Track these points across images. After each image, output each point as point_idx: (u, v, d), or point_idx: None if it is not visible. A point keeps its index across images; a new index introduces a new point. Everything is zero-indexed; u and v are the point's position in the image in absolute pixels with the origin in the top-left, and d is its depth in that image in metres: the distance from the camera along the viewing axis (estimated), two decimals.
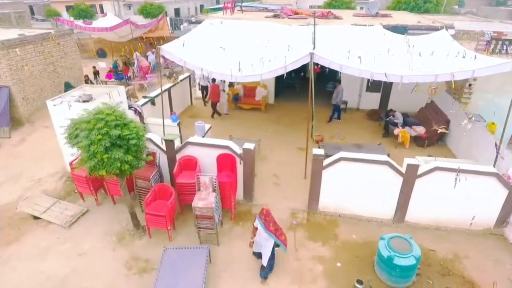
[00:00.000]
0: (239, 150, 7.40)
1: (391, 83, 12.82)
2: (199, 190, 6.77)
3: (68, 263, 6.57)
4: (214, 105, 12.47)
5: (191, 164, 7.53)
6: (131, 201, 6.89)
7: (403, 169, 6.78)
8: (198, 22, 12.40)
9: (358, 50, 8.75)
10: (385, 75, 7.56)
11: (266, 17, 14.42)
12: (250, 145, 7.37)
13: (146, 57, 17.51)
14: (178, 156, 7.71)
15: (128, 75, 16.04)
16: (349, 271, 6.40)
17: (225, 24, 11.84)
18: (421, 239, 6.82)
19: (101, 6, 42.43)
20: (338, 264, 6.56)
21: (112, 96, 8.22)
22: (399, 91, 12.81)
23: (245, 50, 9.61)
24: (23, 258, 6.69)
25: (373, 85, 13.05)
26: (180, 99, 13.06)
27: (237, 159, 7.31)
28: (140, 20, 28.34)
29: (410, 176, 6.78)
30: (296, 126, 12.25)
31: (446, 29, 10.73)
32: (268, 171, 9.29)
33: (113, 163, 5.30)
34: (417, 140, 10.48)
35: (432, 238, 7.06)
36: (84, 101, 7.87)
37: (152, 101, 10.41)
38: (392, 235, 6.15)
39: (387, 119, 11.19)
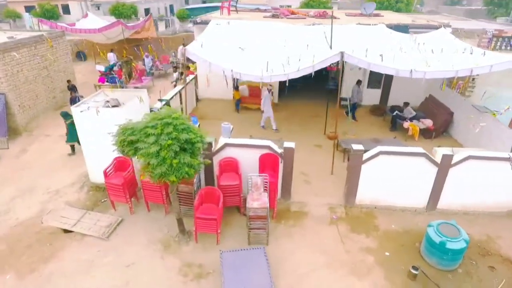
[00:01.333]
0: (279, 150, 7.48)
1: (391, 80, 13.53)
2: (250, 190, 6.76)
3: (118, 276, 6.29)
4: None
5: (231, 166, 7.49)
6: (179, 207, 6.73)
7: (438, 160, 7.21)
8: (204, 22, 12.24)
9: (374, 48, 9.15)
10: (411, 72, 7.98)
11: (264, 17, 14.55)
12: (290, 144, 7.47)
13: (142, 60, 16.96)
14: (216, 159, 7.62)
15: (122, 78, 15.43)
16: (398, 259, 6.71)
17: (232, 25, 11.82)
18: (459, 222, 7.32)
19: (64, 6, 40.15)
20: (387, 254, 6.86)
21: (143, 100, 7.94)
22: (398, 87, 13.64)
23: (264, 50, 9.68)
24: (67, 274, 6.31)
25: (373, 82, 13.67)
26: (188, 101, 12.80)
27: (279, 159, 7.38)
28: (111, 21, 27.31)
29: (444, 166, 7.24)
30: (307, 124, 12.53)
31: (445, 28, 11.49)
32: (295, 169, 9.41)
33: (182, 167, 5.18)
34: (424, 133, 11.12)
35: (464, 222, 7.54)
36: (113, 106, 7.55)
37: (168, 104, 10.15)
38: (439, 221, 6.55)
39: (394, 113, 11.76)
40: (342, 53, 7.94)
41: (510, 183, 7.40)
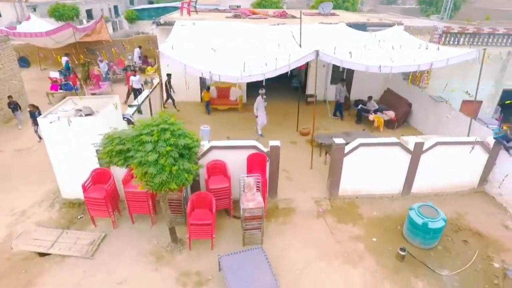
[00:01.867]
0: (265, 149, 7.55)
1: (351, 76, 14.27)
2: (243, 191, 6.73)
3: None
4: None
5: (219, 168, 7.40)
6: (170, 216, 6.50)
7: (411, 148, 7.80)
8: (168, 24, 11.86)
9: (341, 46, 9.59)
10: (379, 68, 8.52)
11: (226, 17, 14.48)
12: (276, 143, 7.58)
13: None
14: (202, 162, 7.46)
15: (77, 84, 14.37)
16: (385, 243, 7.16)
17: (198, 26, 11.62)
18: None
19: None
20: (374, 239, 7.28)
21: (117, 106, 7.50)
22: (358, 82, 14.42)
23: (236, 51, 9.66)
24: None
25: (336, 78, 14.30)
26: (154, 105, 12.31)
27: (267, 158, 7.45)
28: (51, 23, 25.25)
29: (417, 153, 7.85)
30: (279, 122, 12.73)
31: (398, 26, 12.39)
32: None
33: (181, 174, 5.02)
34: (387, 124, 11.92)
35: (435, 203, 8.16)
36: (87, 115, 7.04)
37: (139, 110, 9.70)
38: (418, 204, 7.10)
39: (359, 107, 12.43)
40: (317, 52, 8.21)
41: (471, 164, 8.25)
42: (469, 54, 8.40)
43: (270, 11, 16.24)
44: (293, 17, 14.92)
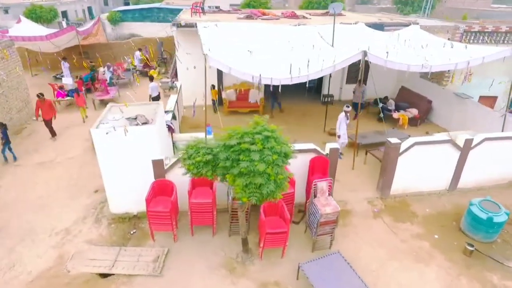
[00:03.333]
0: (324, 152, 7.44)
1: (366, 75, 14.42)
2: (315, 196, 6.59)
3: None
4: (48, 123, 10.73)
5: None
6: (246, 226, 6.23)
7: (461, 144, 7.99)
8: (189, 25, 11.44)
9: (372, 46, 9.65)
10: (422, 67, 8.65)
11: (238, 18, 14.21)
12: (334, 145, 7.49)
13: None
14: None
15: (83, 91, 13.56)
16: (447, 239, 7.27)
17: (221, 27, 11.30)
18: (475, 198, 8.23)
19: None
20: (436, 236, 7.37)
21: (176, 114, 7.11)
22: (372, 82, 14.60)
23: (272, 52, 9.48)
24: None
25: (351, 78, 14.44)
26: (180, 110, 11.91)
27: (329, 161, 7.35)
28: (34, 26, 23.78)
29: (466, 149, 8.05)
30: (301, 123, 12.66)
31: (413, 25, 12.68)
32: None
33: (283, 182, 4.81)
34: (410, 121, 12.17)
35: (480, 197, 8.51)
36: (143, 123, 6.61)
37: (173, 115, 9.28)
38: (478, 199, 7.27)
39: (381, 106, 12.60)
40: (365, 52, 8.20)
41: (511, 158, 8.58)
42: (503, 52, 8.71)
43: (278, 12, 16.14)
44: (304, 17, 14.90)
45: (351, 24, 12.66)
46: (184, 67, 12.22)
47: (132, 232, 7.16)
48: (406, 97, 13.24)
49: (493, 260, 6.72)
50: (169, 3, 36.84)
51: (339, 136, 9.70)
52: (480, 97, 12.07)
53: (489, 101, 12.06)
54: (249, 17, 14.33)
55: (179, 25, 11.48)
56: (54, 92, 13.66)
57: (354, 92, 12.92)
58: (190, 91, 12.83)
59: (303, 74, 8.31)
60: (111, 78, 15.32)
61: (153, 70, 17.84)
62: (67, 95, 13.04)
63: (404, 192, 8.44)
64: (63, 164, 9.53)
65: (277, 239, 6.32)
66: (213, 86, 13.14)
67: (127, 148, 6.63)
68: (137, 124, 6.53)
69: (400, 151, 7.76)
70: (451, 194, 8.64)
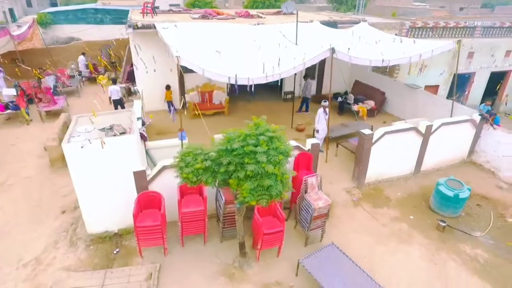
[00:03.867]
0: (306, 148, 7.61)
1: (322, 71, 15.06)
2: (305, 192, 6.70)
3: None
4: None
5: None
6: (243, 230, 6.12)
7: (423, 130, 8.73)
8: (147, 27, 10.83)
9: (333, 43, 10.09)
10: (382, 61, 9.26)
11: (193, 18, 13.85)
12: (314, 140, 7.70)
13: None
14: None
15: (24, 102, 12.11)
16: (421, 219, 7.93)
17: (180, 28, 10.90)
18: (436, 179, 9.08)
19: None
20: (411, 217, 7.99)
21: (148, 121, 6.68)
22: (327, 77, 15.26)
23: (241, 52, 9.42)
24: None
25: (309, 75, 14.92)
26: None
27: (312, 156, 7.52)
28: None
29: (427, 135, 8.83)
30: (271, 120, 12.57)
31: (362, 22, 13.51)
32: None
33: (287, 182, 4.82)
34: (369, 112, 12.97)
35: (440, 176, 9.41)
36: (121, 133, 6.13)
37: (143, 123, 8.74)
38: (444, 179, 8.02)
39: (342, 100, 13.26)
40: (333, 49, 8.54)
41: (462, 140, 9.62)
42: (449, 45, 9.69)
43: (231, 11, 16.04)
44: (259, 16, 15.03)
45: (307, 22, 13.06)
46: (143, 70, 11.59)
47: (115, 252, 6.61)
48: (360, 91, 14.07)
49: (462, 233, 7.49)
50: (105, 4, 34.55)
51: (317, 131, 10.00)
52: (425, 86, 13.30)
53: (432, 89, 13.35)
54: (204, 17, 14.04)
55: (135, 27, 10.81)
56: None
57: (304, 87, 13.40)
58: (153, 96, 12.28)
59: (276, 73, 8.38)
60: (55, 86, 13.92)
61: (101, 75, 16.61)
62: (6, 108, 11.55)
63: (376, 179, 8.99)
64: (18, 186, 8.44)
65: (274, 239, 6.32)
66: (167, 87, 12.57)
67: (104, 161, 6.10)
68: (114, 135, 6.03)
69: (373, 140, 8.24)
70: (416, 177, 9.42)
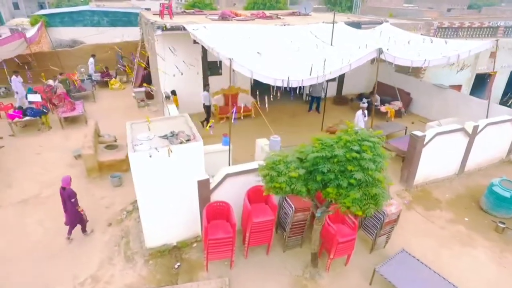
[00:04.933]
0: None
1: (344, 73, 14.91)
2: None
3: None
4: None
5: None
6: (320, 239, 5.85)
7: (469, 131, 8.65)
8: (176, 28, 10.42)
9: (368, 44, 9.95)
10: (424, 61, 9.15)
11: (212, 20, 13.50)
12: None
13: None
14: None
15: (40, 107, 11.53)
16: (476, 220, 7.82)
17: (210, 29, 10.56)
18: (478, 179, 9.04)
19: None
20: (466, 219, 7.87)
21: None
22: (349, 78, 15.19)
23: (280, 53, 9.16)
24: None
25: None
26: None
27: None
28: None
29: (473, 135, 8.75)
30: (294, 123, 12.54)
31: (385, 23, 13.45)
32: None
33: (388, 188, 4.58)
34: (396, 113, 12.86)
35: (483, 176, 9.37)
36: (187, 141, 5.77)
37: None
38: (497, 179, 7.94)
39: (367, 101, 13.13)
40: (380, 49, 8.38)
41: (503, 139, 9.60)
42: (486, 44, 9.67)
43: (247, 13, 15.76)
44: (278, 17, 14.79)
45: (332, 23, 12.89)
46: (170, 73, 11.19)
47: (176, 266, 6.23)
48: (383, 91, 13.97)
49: None
50: (99, 6, 33.69)
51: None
52: (449, 86, 13.32)
53: (455, 89, 13.37)
54: (224, 18, 13.70)
55: (164, 28, 10.40)
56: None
57: (313, 86, 13.07)
58: (183, 100, 11.85)
59: (322, 74, 8.18)
60: (69, 91, 13.34)
61: (114, 79, 16.08)
62: (25, 115, 10.93)
63: (424, 181, 8.85)
64: (55, 198, 7.90)
65: (346, 247, 6.07)
66: (173, 92, 11.61)
67: (169, 170, 5.73)
68: (181, 142, 5.67)
69: (425, 142, 8.11)
70: (459, 178, 9.33)
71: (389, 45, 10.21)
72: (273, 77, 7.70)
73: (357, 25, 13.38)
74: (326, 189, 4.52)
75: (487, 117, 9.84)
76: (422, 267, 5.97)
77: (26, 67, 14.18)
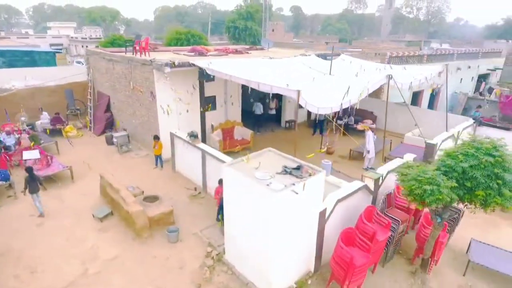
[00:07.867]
0: None
1: None
2: None
3: None
4: None
5: None
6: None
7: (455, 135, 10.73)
8: (182, 65, 9.94)
9: (355, 72, 11.46)
10: (410, 84, 11.02)
11: (188, 55, 13.15)
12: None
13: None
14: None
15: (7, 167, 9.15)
16: None
17: (215, 64, 10.39)
18: None
19: None
20: None
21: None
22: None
23: (303, 83, 9.72)
24: None
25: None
26: None
27: None
28: None
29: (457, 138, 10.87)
30: (291, 150, 13.02)
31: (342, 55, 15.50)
32: None
33: None
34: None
35: None
36: (309, 175, 5.70)
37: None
38: None
39: (345, 122, 14.69)
40: (390, 76, 9.80)
41: None
42: (438, 68, 12.27)
43: (211, 48, 15.81)
44: (247, 52, 15.40)
45: (306, 55, 14.18)
46: (176, 111, 10.48)
47: None
48: (353, 111, 15.82)
49: None
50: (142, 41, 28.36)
51: (368, 151, 10.91)
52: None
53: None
54: (200, 54, 13.49)
55: (172, 65, 9.77)
56: None
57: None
58: None
59: (345, 101, 9.06)
60: (14, 145, 10.97)
61: (68, 126, 13.80)
62: None
63: None
64: (108, 273, 6.39)
65: (443, 248, 6.79)
66: (157, 137, 10.57)
67: (298, 206, 5.55)
68: (310, 175, 5.59)
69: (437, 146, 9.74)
70: None
71: (367, 72, 11.94)
72: (323, 106, 8.21)
73: (324, 56, 15.04)
74: (475, 193, 5.19)
75: (446, 126, 12.25)
76: (499, 251, 7.08)
77: None
